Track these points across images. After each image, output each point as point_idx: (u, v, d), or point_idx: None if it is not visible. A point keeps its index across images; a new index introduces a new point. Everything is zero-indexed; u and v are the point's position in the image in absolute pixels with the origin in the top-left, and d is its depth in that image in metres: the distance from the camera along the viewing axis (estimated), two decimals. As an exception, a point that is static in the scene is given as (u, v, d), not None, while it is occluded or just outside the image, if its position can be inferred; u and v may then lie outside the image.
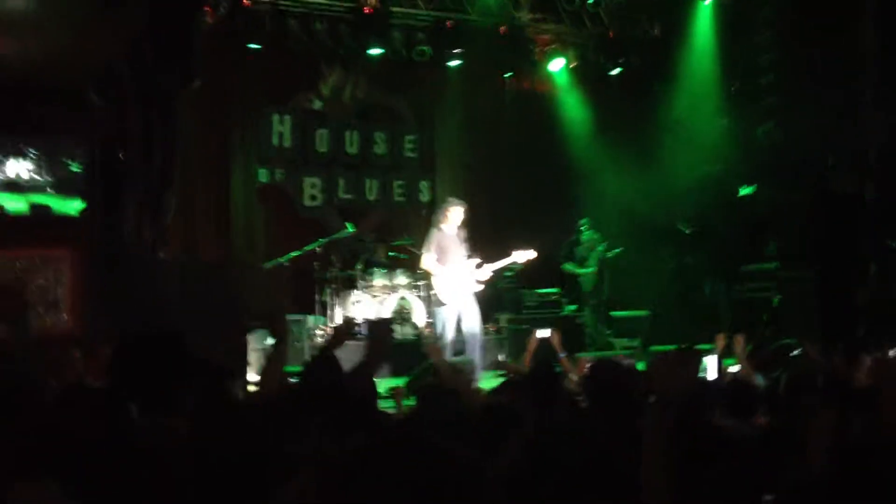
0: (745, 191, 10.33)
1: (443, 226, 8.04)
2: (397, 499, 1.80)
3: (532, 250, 8.20)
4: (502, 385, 4.89)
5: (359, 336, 9.19)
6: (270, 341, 5.88)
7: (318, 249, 9.41)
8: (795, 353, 5.85)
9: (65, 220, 6.96)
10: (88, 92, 7.03)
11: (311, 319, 9.47)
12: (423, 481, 1.84)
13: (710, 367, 3.47)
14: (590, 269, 10.58)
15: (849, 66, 8.96)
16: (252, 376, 6.25)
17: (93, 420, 2.67)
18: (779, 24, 10.07)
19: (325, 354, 3.82)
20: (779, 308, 9.02)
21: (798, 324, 8.13)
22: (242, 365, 6.61)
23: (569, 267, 10.78)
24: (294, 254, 9.18)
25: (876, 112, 8.69)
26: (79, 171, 7.04)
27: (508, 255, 8.17)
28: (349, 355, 6.12)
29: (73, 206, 6.99)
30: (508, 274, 10.39)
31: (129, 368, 2.99)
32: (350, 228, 9.66)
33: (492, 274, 8.15)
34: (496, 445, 2.72)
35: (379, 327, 3.95)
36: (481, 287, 8.05)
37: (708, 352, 5.74)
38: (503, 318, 10.15)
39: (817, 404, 3.62)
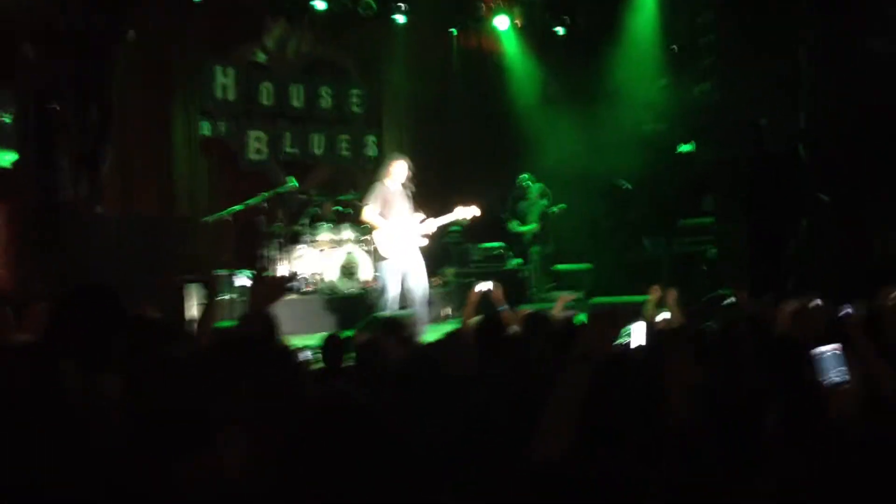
0: (683, 148, 10.53)
1: (387, 180, 8.05)
2: (324, 457, 1.84)
3: (475, 207, 8.25)
4: (446, 336, 5.00)
5: (295, 290, 9.27)
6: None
7: (262, 204, 9.34)
8: (727, 301, 6.06)
9: (-3, 172, 6.82)
10: (22, 43, 6.88)
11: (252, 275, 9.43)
12: (349, 442, 1.87)
13: (636, 333, 3.51)
14: (531, 227, 10.70)
15: (784, 28, 9.13)
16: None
17: (23, 377, 2.67)
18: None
19: (258, 311, 3.86)
20: (715, 261, 9.26)
21: (733, 275, 8.38)
22: (180, 320, 6.59)
23: (511, 225, 10.90)
24: (237, 207, 9.08)
25: (808, 74, 8.89)
26: (10, 122, 6.88)
27: (453, 210, 8.22)
28: (290, 311, 6.15)
29: (5, 159, 6.84)
30: (455, 228, 10.47)
31: (64, 324, 2.97)
32: (293, 182, 9.59)
33: (436, 229, 8.20)
34: (421, 398, 2.80)
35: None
36: (426, 242, 8.11)
37: (642, 304, 5.91)
38: (449, 271, 10.25)
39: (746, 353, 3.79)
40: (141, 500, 1.99)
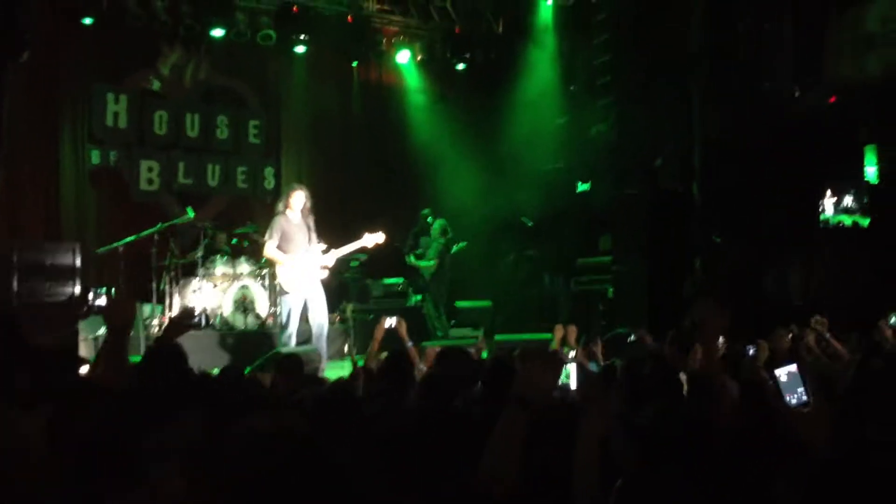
0: (583, 187, 10.75)
1: (287, 212, 7.88)
2: (262, 489, 1.82)
3: (381, 233, 8.15)
4: (355, 372, 4.89)
5: (198, 326, 8.94)
6: (103, 330, 5.60)
7: (155, 236, 8.97)
8: (631, 339, 6.16)
9: None
10: None
11: (147, 308, 9.07)
12: (296, 475, 1.86)
13: (573, 375, 3.47)
14: (430, 262, 10.67)
15: (678, 70, 9.48)
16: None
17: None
18: (615, 27, 10.53)
19: (168, 344, 3.71)
20: (612, 300, 9.43)
21: (630, 314, 8.54)
22: (74, 353, 6.25)
23: (411, 259, 10.85)
24: (129, 239, 8.71)
25: (701, 115, 9.24)
26: None
27: (361, 237, 8.09)
28: (191, 345, 5.94)
29: None
30: (354, 264, 10.34)
31: None
32: (190, 214, 9.28)
33: (339, 258, 8.06)
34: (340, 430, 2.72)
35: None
36: (326, 274, 7.96)
37: (548, 342, 5.95)
38: (349, 307, 10.07)
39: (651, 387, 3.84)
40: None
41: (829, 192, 9.11)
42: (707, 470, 2.39)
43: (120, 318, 3.35)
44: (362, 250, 8.40)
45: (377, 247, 8.29)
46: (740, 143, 8.81)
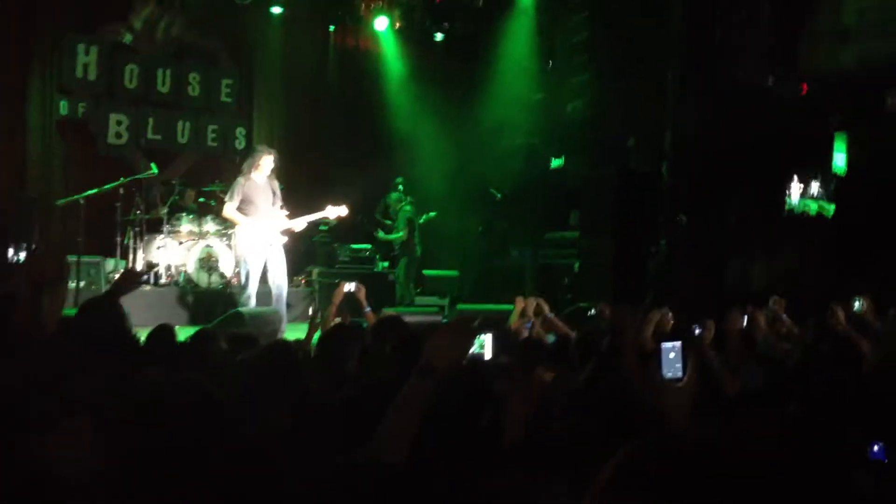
0: (556, 163, 10.77)
1: (253, 174, 7.79)
2: (169, 445, 1.82)
3: (345, 207, 8.10)
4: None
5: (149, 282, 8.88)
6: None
7: (121, 190, 8.86)
8: (591, 313, 6.19)
9: None
10: None
11: (110, 263, 9.00)
12: (195, 431, 1.86)
13: (489, 343, 3.46)
14: (398, 235, 10.62)
15: (654, 51, 9.48)
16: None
17: None
18: (594, 6, 10.51)
19: (104, 300, 3.69)
20: (578, 274, 9.48)
21: (594, 289, 8.59)
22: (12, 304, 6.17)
23: (380, 235, 10.80)
24: (91, 192, 8.56)
25: (675, 97, 9.26)
26: None
27: (323, 209, 8.05)
28: (152, 300, 5.90)
29: None
30: (323, 228, 10.30)
31: None
32: (154, 170, 9.15)
33: (303, 226, 8.00)
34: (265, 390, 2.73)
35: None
36: (286, 238, 7.91)
37: (508, 314, 5.96)
38: (315, 271, 10.06)
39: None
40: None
41: (795, 179, 9.18)
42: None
43: (42, 273, 3.33)
44: (325, 221, 8.34)
45: (340, 219, 8.25)
46: (711, 127, 8.84)
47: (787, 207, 9.13)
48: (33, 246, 8.23)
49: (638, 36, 9.62)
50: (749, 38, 9.43)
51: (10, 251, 6.41)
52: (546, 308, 5.91)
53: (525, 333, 5.42)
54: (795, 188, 9.13)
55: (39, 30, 9.98)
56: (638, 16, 9.70)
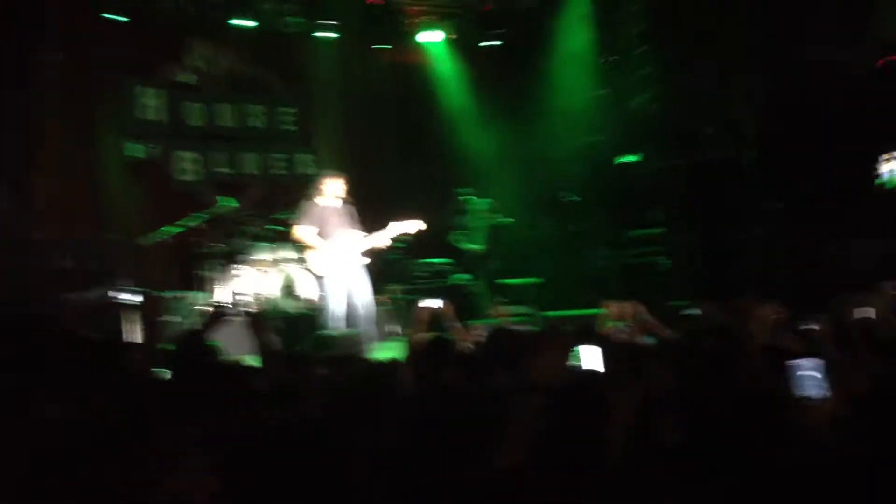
0: (626, 159, 10.57)
1: (319, 198, 7.93)
2: (286, 476, 1.88)
3: (421, 220, 8.12)
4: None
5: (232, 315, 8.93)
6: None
7: (199, 225, 9.03)
8: (692, 312, 5.97)
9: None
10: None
11: (192, 296, 9.09)
12: (310, 461, 1.95)
13: (585, 355, 3.36)
14: (477, 245, 10.57)
15: (722, 34, 9.26)
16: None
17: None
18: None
19: (196, 337, 3.78)
20: (666, 272, 9.27)
21: (685, 286, 8.37)
22: (115, 345, 6.28)
23: (460, 243, 10.77)
24: (173, 229, 8.77)
25: (747, 80, 9.02)
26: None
27: (399, 223, 8.05)
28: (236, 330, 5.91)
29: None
30: (399, 245, 10.27)
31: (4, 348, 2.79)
32: (228, 202, 9.34)
33: (383, 243, 8.04)
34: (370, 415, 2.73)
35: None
36: (367, 259, 7.95)
37: (596, 318, 5.79)
38: (393, 288, 10.05)
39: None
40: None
41: (884, 156, 8.86)
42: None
43: (155, 313, 3.52)
44: (403, 236, 8.37)
45: (418, 233, 8.27)
46: (789, 107, 8.59)
47: (876, 183, 8.82)
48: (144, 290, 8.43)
49: (702, 20, 9.42)
50: (816, 10, 9.16)
51: (111, 292, 6.57)
52: (642, 310, 5.75)
53: (621, 338, 5.26)
54: (885, 165, 8.80)
55: (102, 77, 10.15)
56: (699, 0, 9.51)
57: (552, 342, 2.59)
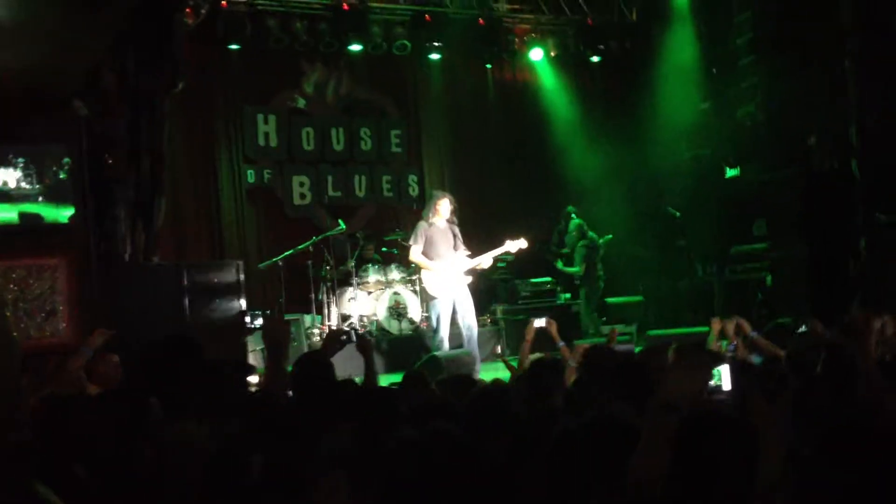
0: (731, 173, 10.38)
1: (432, 219, 8.04)
2: (421, 495, 1.87)
3: (524, 240, 8.21)
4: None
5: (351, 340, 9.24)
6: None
7: (311, 248, 9.41)
8: (801, 329, 5.84)
9: (56, 227, 6.89)
10: (73, 99, 6.99)
11: (307, 319, 9.47)
12: (457, 481, 1.90)
13: (725, 376, 3.31)
14: (577, 269, 10.52)
15: (827, 44, 9.00)
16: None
17: (111, 425, 2.67)
18: (756, 4, 10.11)
19: (317, 359, 3.89)
20: (771, 288, 9.05)
21: (791, 302, 8.18)
22: (244, 366, 6.61)
23: (559, 266, 10.77)
24: (287, 253, 9.19)
25: (855, 88, 8.73)
26: (66, 177, 6.99)
27: (499, 244, 8.18)
28: (342, 353, 6.18)
29: (63, 214, 6.94)
30: (502, 265, 10.40)
31: (150, 373, 2.99)
32: (342, 226, 9.67)
33: (488, 263, 8.17)
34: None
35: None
36: (471, 278, 8.08)
37: (704, 336, 5.73)
38: (499, 309, 10.18)
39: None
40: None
41: None
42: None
43: (274, 338, 3.60)
44: (506, 254, 8.47)
45: (521, 252, 8.35)
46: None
47: None
48: (265, 314, 8.82)
49: (806, 29, 9.17)
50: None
51: (235, 314, 6.97)
52: (748, 328, 5.66)
53: (740, 356, 5.22)
54: None
55: (220, 105, 10.70)
56: (805, 8, 9.25)
57: (689, 360, 2.46)
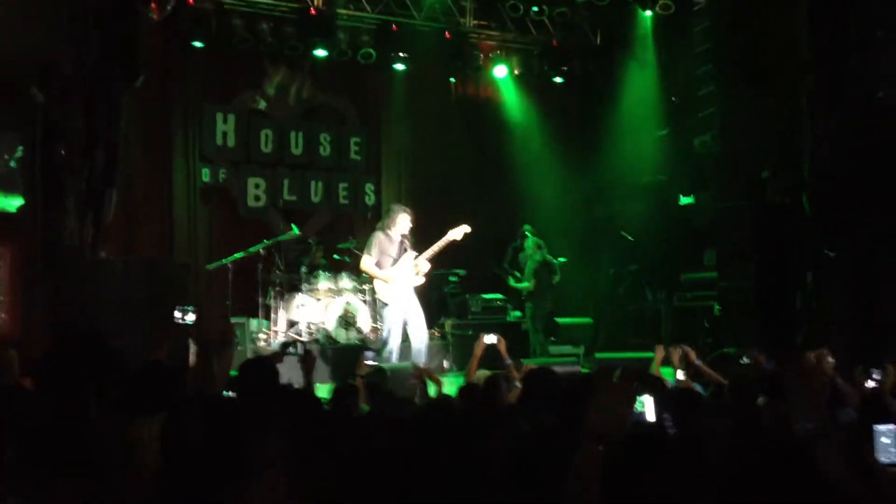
0: (685, 200, 10.52)
1: (389, 231, 8.03)
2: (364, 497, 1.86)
3: (465, 225, 8.19)
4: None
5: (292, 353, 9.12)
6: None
7: (262, 251, 9.27)
8: (744, 360, 5.94)
9: (3, 216, 6.74)
10: (30, 87, 6.84)
11: (254, 323, 9.34)
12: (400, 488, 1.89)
13: (648, 406, 3.33)
14: (526, 284, 10.55)
15: (785, 79, 9.19)
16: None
17: (46, 420, 2.62)
18: (716, 37, 10.29)
19: (265, 363, 3.90)
20: (718, 317, 9.18)
21: (737, 332, 8.30)
22: (184, 366, 6.50)
23: (511, 282, 10.79)
24: (237, 255, 9.04)
25: (810, 124, 8.92)
26: (16, 167, 6.83)
27: (444, 235, 8.14)
28: (288, 360, 6.10)
29: (12, 204, 6.78)
30: (453, 279, 10.39)
31: (59, 369, 2.92)
32: (295, 230, 9.55)
33: (431, 263, 8.12)
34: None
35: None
36: (423, 281, 8.06)
37: (649, 364, 5.78)
38: (448, 323, 10.13)
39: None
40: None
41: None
42: None
43: (208, 337, 3.58)
44: (451, 244, 8.37)
45: (467, 237, 8.28)
46: (850, 152, 8.45)
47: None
48: (198, 310, 8.65)
49: (765, 64, 9.36)
50: (885, 56, 9.02)
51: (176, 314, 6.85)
52: (693, 356, 5.73)
53: (682, 384, 5.28)
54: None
55: (180, 102, 10.57)
56: (764, 43, 9.44)
57: (614, 391, 2.47)
